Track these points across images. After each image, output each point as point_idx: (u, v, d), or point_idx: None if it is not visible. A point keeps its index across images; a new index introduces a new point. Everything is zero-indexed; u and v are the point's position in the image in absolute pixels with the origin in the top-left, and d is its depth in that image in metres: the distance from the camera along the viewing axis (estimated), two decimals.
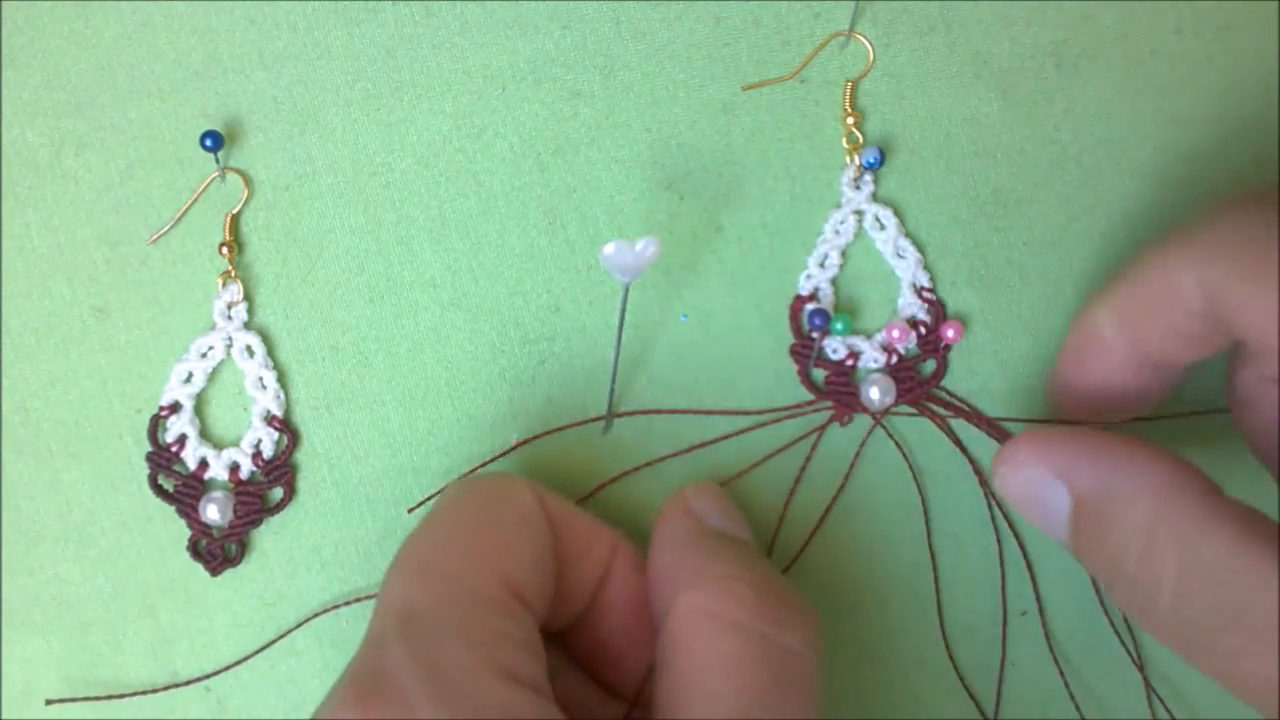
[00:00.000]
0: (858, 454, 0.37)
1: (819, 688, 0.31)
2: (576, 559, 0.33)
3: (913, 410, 0.37)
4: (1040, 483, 0.31)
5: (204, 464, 0.37)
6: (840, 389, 0.37)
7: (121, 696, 0.37)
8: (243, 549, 0.37)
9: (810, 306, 0.37)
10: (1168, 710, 0.38)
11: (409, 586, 0.30)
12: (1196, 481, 0.29)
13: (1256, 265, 0.29)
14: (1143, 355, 0.33)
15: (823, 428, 0.37)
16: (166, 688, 0.37)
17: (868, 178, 0.37)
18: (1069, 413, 0.35)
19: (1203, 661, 0.28)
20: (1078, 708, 0.38)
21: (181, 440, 0.37)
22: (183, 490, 0.37)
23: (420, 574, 0.31)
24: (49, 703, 0.37)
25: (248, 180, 0.37)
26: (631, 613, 0.34)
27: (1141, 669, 0.38)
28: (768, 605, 0.31)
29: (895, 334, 0.36)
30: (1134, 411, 0.34)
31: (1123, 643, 0.38)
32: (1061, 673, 0.38)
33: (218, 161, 0.36)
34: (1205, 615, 0.28)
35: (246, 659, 0.37)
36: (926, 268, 0.37)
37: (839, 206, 0.37)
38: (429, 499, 0.37)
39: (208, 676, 0.37)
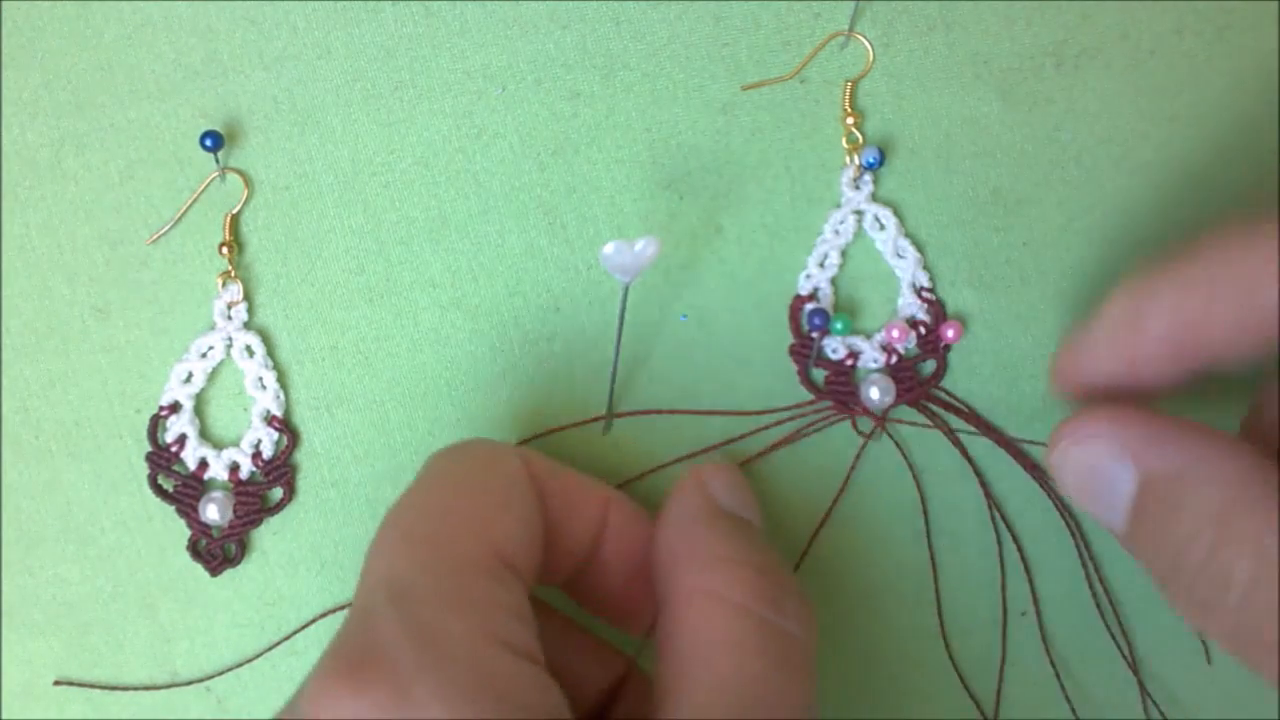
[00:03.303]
0: (858, 454, 0.37)
1: (815, 674, 0.31)
2: (568, 517, 0.33)
3: (913, 411, 0.37)
4: (1104, 461, 0.30)
5: (204, 464, 0.37)
6: (840, 389, 0.37)
7: (126, 689, 0.37)
8: (242, 549, 0.37)
9: (810, 306, 0.37)
10: (1160, 712, 0.38)
11: (396, 556, 0.29)
12: (1271, 471, 0.28)
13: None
14: (1192, 347, 0.31)
15: (820, 422, 0.37)
16: (169, 685, 0.37)
17: (867, 178, 0.37)
18: (1076, 391, 0.34)
19: (1268, 664, 0.27)
20: (1073, 709, 0.38)
21: (181, 440, 0.37)
22: (183, 490, 0.37)
23: (406, 543, 0.30)
24: (57, 683, 0.37)
25: (248, 180, 0.37)
26: (631, 567, 0.33)
27: (1136, 671, 0.38)
28: (769, 589, 0.30)
29: (895, 334, 0.36)
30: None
31: (1118, 645, 0.38)
32: (1057, 674, 0.38)
33: (218, 161, 0.36)
34: (1276, 613, 0.26)
35: (248, 661, 0.37)
36: (926, 268, 0.37)
37: (839, 206, 0.37)
38: None
39: (209, 677, 0.37)
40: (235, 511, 0.37)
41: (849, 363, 0.37)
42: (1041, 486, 0.37)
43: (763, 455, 0.37)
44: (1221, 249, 0.30)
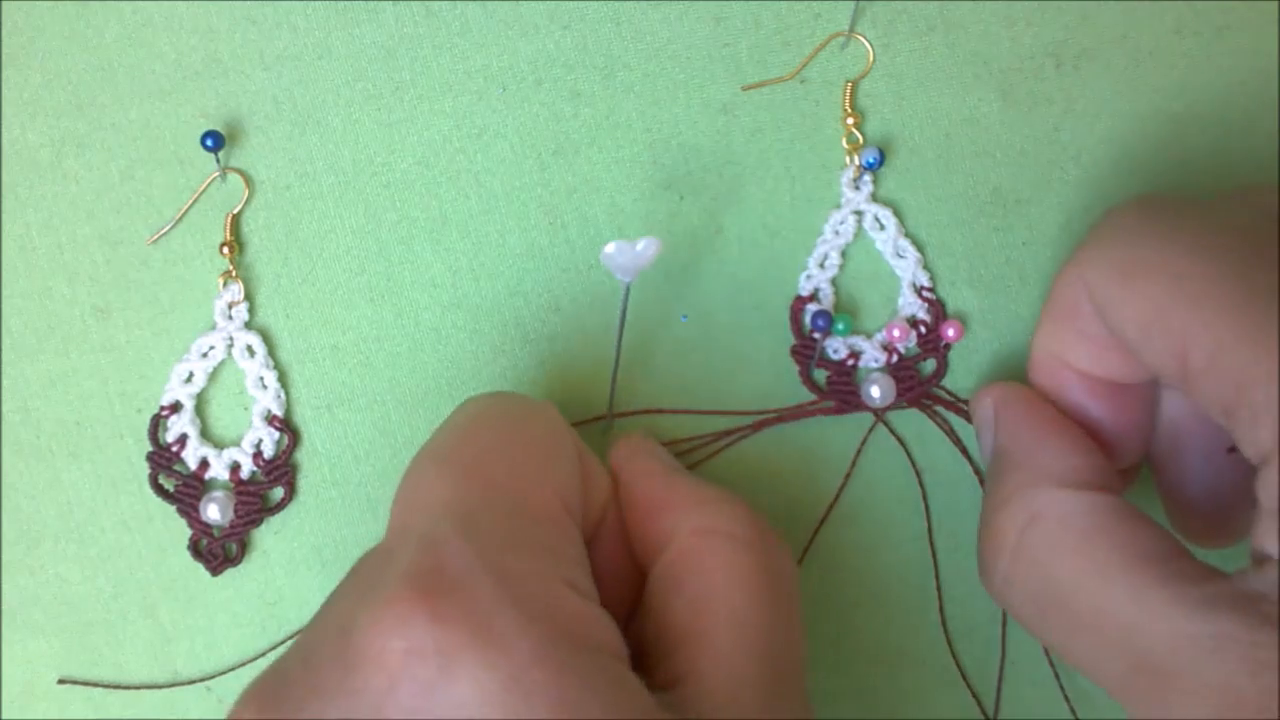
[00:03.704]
0: (858, 453, 0.37)
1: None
2: (588, 487, 0.32)
3: (914, 411, 0.37)
4: (982, 423, 0.35)
5: (204, 464, 0.37)
6: (841, 389, 0.37)
7: (129, 688, 0.37)
8: (243, 549, 0.37)
9: (813, 308, 0.37)
10: None
11: (459, 487, 0.28)
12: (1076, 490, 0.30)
13: (1127, 265, 0.29)
14: (1082, 374, 0.33)
15: (813, 412, 0.37)
16: (170, 685, 0.37)
17: (867, 178, 0.37)
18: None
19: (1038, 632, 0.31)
20: (1072, 709, 0.38)
21: (182, 440, 0.37)
22: (183, 490, 0.37)
23: (468, 476, 0.28)
24: (61, 681, 0.37)
25: (248, 180, 0.37)
26: (620, 548, 0.33)
27: None
28: (759, 522, 0.31)
29: (895, 333, 0.37)
30: (1119, 437, 0.33)
31: None
32: (1057, 674, 0.38)
33: (218, 161, 0.36)
34: (1033, 601, 0.30)
35: (250, 661, 0.37)
36: (926, 268, 0.37)
37: (839, 206, 0.37)
38: None
39: (210, 677, 0.37)
40: (236, 511, 0.37)
41: (850, 363, 0.37)
42: None
43: (763, 453, 0.37)
44: (1057, 282, 0.32)
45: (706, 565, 0.30)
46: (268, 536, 0.37)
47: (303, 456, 0.37)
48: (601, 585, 0.32)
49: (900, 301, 0.37)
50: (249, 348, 0.37)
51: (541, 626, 0.25)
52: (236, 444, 0.37)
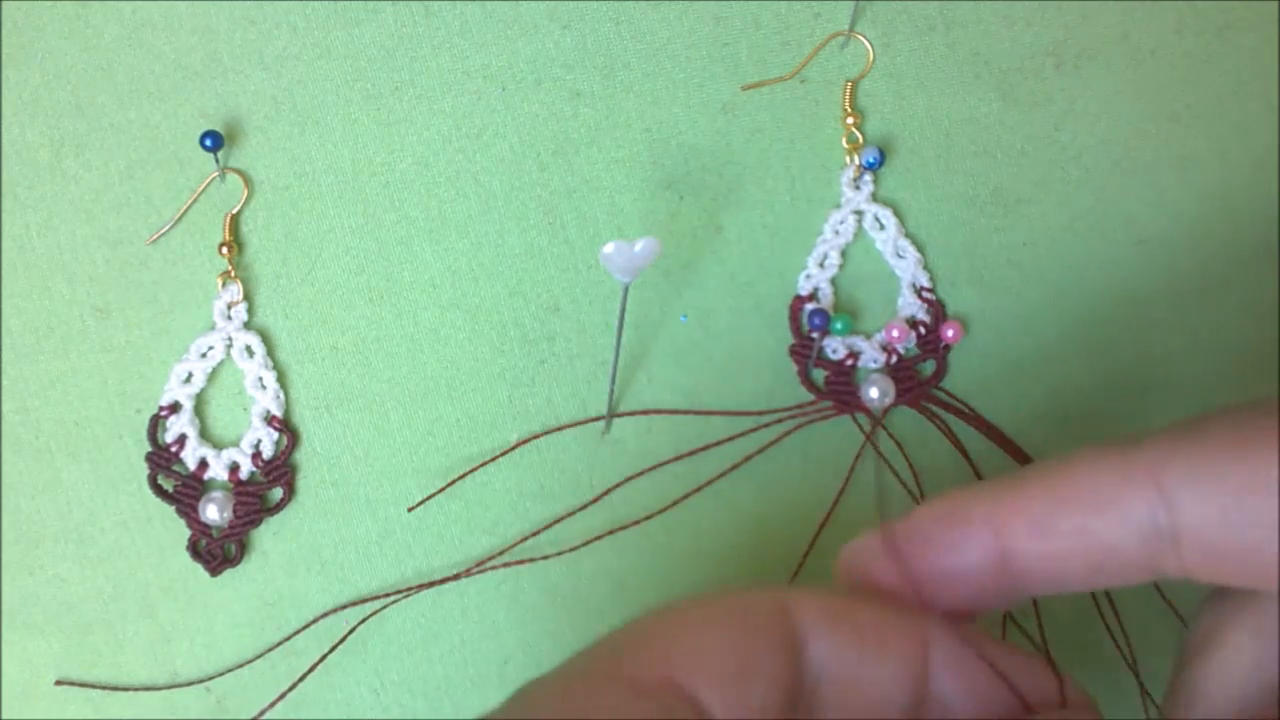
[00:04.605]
0: (859, 454, 0.37)
1: None
2: (869, 659, 0.26)
3: (913, 412, 0.37)
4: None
5: (204, 464, 0.37)
6: (840, 389, 0.37)
7: (126, 689, 0.37)
8: (242, 549, 0.37)
9: (810, 306, 0.37)
10: (1161, 712, 0.38)
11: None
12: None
13: (1209, 463, 0.25)
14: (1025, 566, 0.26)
15: (820, 422, 0.37)
16: (169, 686, 0.37)
17: (867, 178, 0.37)
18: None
19: None
20: None
21: (181, 440, 0.37)
22: (182, 490, 0.37)
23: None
24: (58, 683, 0.37)
25: (248, 180, 0.37)
26: (975, 703, 0.27)
27: (1136, 671, 0.38)
28: None
29: (895, 334, 0.36)
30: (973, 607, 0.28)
31: (1117, 645, 0.38)
32: (1057, 674, 0.38)
33: (218, 161, 0.36)
34: None
35: (249, 661, 0.37)
36: (926, 268, 0.37)
37: (839, 206, 0.37)
38: (429, 498, 0.37)
39: (209, 678, 0.37)
40: (235, 511, 0.37)
41: (849, 363, 0.37)
42: None
43: (763, 455, 0.37)
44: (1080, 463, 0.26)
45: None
46: (267, 537, 0.37)
47: (302, 457, 0.37)
48: None
49: (900, 302, 0.37)
50: (248, 348, 0.37)
51: None
52: (235, 444, 0.37)
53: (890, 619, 0.26)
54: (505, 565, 0.37)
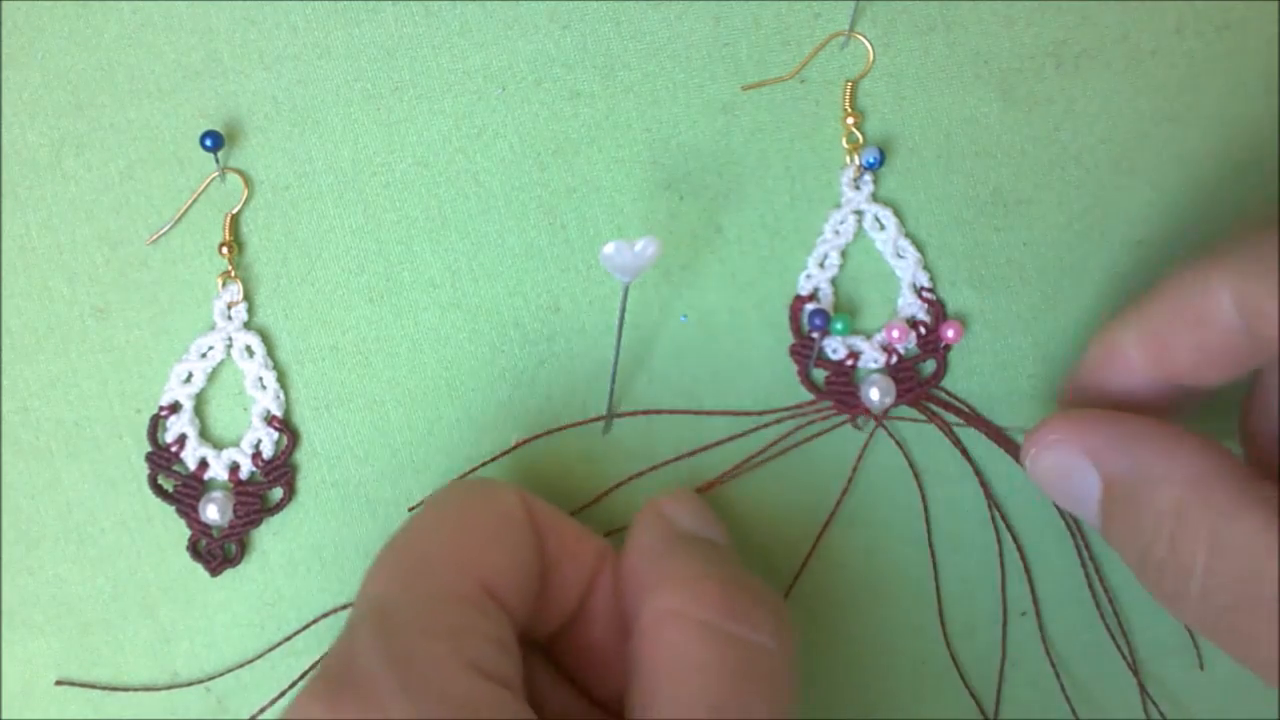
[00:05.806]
0: (860, 455, 0.37)
1: (792, 682, 0.31)
2: (562, 565, 0.33)
3: (914, 411, 0.37)
4: (1070, 464, 0.31)
5: (204, 464, 0.37)
6: (840, 389, 0.37)
7: (126, 689, 0.37)
8: (242, 549, 0.37)
9: (810, 306, 0.37)
10: (1160, 712, 0.38)
11: (385, 581, 0.31)
12: (1228, 465, 0.29)
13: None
14: (1168, 374, 0.32)
15: (820, 422, 0.37)
16: (169, 686, 0.37)
17: (868, 178, 0.37)
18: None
19: (1231, 645, 0.28)
20: (1073, 709, 0.38)
21: (181, 440, 0.37)
22: (183, 490, 0.37)
23: (396, 569, 0.31)
24: (58, 683, 0.37)
25: (248, 180, 0.37)
26: (615, 624, 0.33)
27: (1135, 671, 0.38)
28: (735, 603, 0.30)
29: (895, 334, 0.36)
30: None
31: (1118, 645, 0.38)
32: (1057, 674, 0.38)
33: (218, 161, 0.36)
34: (1234, 599, 0.28)
35: (249, 662, 0.37)
36: (926, 268, 0.37)
37: (839, 206, 0.37)
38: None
39: (209, 678, 0.37)
40: (235, 511, 0.37)
41: (849, 363, 0.37)
42: None
43: (763, 455, 0.37)
44: (1180, 282, 0.32)
45: (660, 648, 0.30)
46: (267, 537, 0.37)
47: (302, 457, 0.37)
48: (590, 658, 0.33)
49: (900, 302, 0.37)
50: (248, 348, 0.37)
51: (431, 708, 0.27)
52: (235, 444, 0.37)
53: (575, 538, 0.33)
54: None
